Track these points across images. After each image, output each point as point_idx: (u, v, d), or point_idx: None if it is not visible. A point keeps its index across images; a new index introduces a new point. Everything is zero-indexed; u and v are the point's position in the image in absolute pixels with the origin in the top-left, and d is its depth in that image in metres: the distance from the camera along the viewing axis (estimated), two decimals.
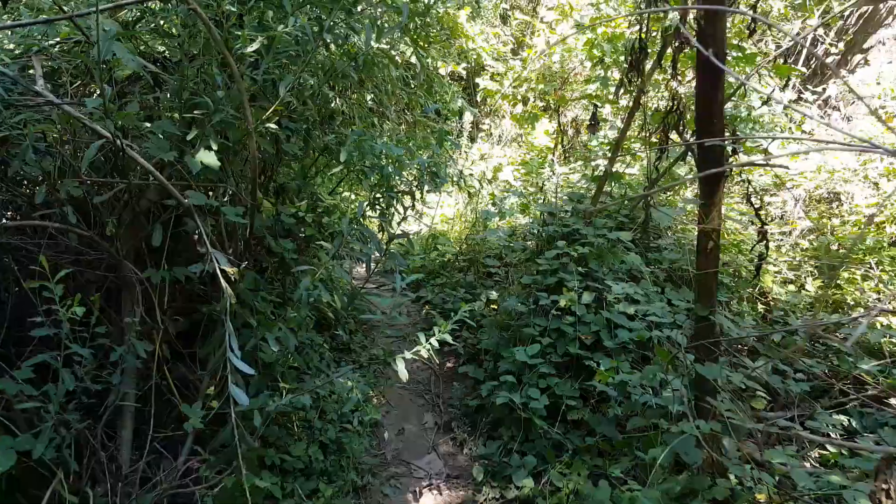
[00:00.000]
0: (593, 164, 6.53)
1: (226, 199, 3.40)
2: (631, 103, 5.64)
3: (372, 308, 5.49)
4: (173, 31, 3.46)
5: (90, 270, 3.36)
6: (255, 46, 2.95)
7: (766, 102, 6.38)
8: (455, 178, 5.06)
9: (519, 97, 13.41)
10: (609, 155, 5.88)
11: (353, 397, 4.29)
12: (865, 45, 10.72)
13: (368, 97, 6.89)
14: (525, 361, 4.56)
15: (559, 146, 13.67)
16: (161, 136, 2.95)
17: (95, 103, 2.42)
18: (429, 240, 8.70)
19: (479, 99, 13.89)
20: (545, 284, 5.08)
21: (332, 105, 5.40)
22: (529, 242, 6.02)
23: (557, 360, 4.67)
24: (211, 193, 3.40)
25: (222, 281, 2.67)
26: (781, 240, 6.63)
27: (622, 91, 5.79)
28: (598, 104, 6.08)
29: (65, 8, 2.99)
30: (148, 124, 2.99)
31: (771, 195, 7.54)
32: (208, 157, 2.90)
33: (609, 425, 4.31)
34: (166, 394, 3.46)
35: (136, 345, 2.92)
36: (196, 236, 2.89)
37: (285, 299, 4.65)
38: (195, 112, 3.06)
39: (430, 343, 3.27)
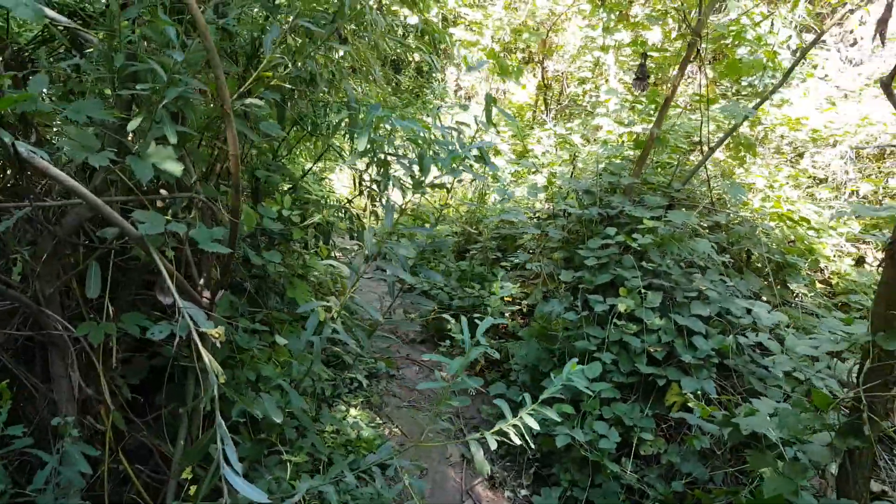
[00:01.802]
0: (625, 127, 5.59)
1: (192, 215, 2.42)
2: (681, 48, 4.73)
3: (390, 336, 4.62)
4: None
5: None
6: None
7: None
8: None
9: (499, 49, 12.40)
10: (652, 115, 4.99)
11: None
12: None
13: (340, 52, 5.86)
14: (587, 388, 3.73)
15: (546, 102, 12.74)
16: (83, 125, 1.97)
17: None
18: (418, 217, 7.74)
19: (457, 52, 12.80)
20: (594, 284, 4.22)
21: (311, 64, 4.39)
22: (558, 224, 5.14)
23: (621, 380, 3.85)
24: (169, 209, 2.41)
25: (204, 355, 1.74)
26: (840, 207, 5.87)
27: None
28: (646, 52, 5.12)
29: None
30: (64, 108, 1.99)
31: (812, 154, 6.77)
32: (165, 158, 1.93)
33: (697, 464, 3.52)
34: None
35: (76, 459, 1.98)
36: (158, 278, 1.93)
37: (272, 326, 3.72)
38: (136, 86, 2.07)
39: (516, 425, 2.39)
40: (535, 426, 2.28)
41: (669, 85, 5.13)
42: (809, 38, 8.52)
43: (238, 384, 2.95)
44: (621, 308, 3.93)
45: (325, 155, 5.53)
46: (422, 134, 2.84)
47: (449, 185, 2.66)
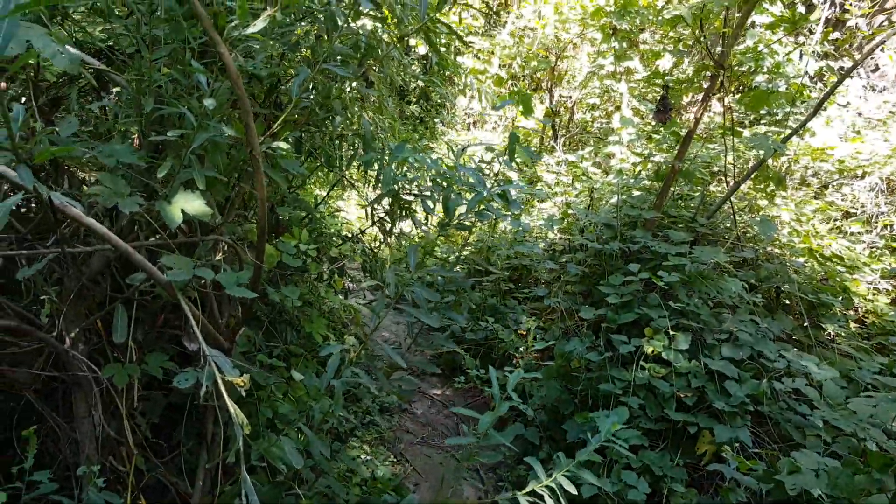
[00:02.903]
0: (654, 158, 5.59)
1: (218, 258, 2.42)
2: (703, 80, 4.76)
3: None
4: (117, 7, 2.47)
5: (22, 370, 2.38)
6: (259, 25, 1.98)
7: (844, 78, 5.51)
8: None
9: (506, 77, 12.53)
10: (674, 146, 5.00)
11: None
12: (888, 5, 10.08)
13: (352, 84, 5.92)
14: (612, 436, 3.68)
15: (554, 129, 12.81)
16: (114, 170, 1.98)
17: None
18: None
19: (464, 80, 12.91)
20: (618, 322, 4.19)
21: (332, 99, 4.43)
22: (576, 258, 5.13)
23: (649, 426, 3.81)
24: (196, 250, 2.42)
25: (229, 405, 1.73)
26: (872, 242, 5.86)
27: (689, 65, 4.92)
28: (669, 84, 5.16)
29: None
30: (90, 151, 2.00)
31: (835, 186, 6.76)
32: (194, 203, 1.94)
33: None
34: None
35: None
36: (188, 322, 1.93)
37: (288, 360, 3.71)
38: (166, 132, 2.08)
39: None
40: (572, 489, 2.24)
41: (691, 117, 5.17)
42: (826, 65, 8.60)
43: (256, 424, 2.93)
44: (648, 350, 3.90)
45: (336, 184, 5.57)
46: (443, 170, 2.86)
47: (472, 225, 2.66)
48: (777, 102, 4.83)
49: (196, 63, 2.00)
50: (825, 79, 9.11)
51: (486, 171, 3.98)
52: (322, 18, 2.41)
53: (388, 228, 3.88)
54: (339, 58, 2.61)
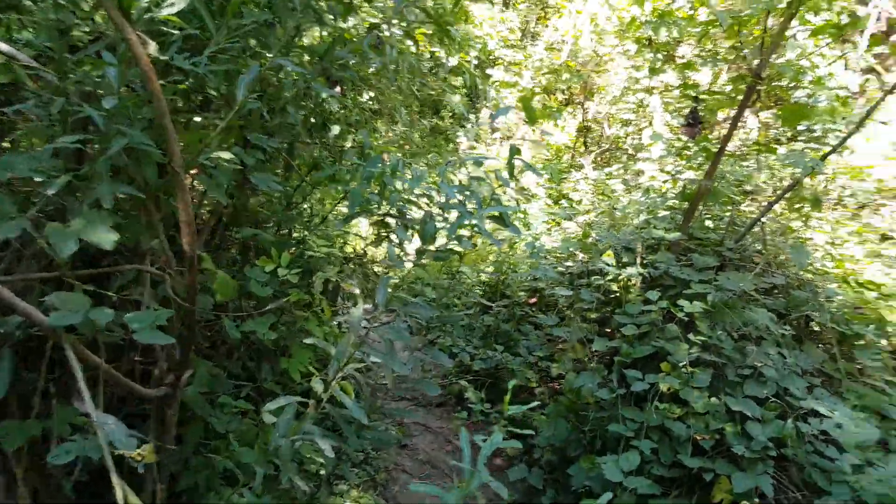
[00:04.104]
0: (680, 176, 5.12)
1: (142, 291, 2.07)
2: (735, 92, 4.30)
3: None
4: None
5: None
6: (179, 5, 1.64)
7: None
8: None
9: (538, 90, 12.13)
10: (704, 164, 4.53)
11: None
12: None
13: (367, 95, 5.59)
14: (620, 482, 3.25)
15: (586, 144, 12.37)
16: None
17: None
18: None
19: (492, 93, 12.53)
20: (632, 356, 3.75)
21: (325, 107, 4.10)
22: (592, 283, 4.69)
23: (661, 473, 3.36)
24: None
25: (117, 488, 1.37)
26: None
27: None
28: (698, 96, 4.70)
29: None
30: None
31: (871, 207, 6.19)
32: (97, 228, 1.60)
33: None
34: None
35: None
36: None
37: (262, 397, 3.35)
38: (85, 138, 1.75)
39: None
40: None
41: (722, 132, 4.72)
42: (867, 79, 8.00)
43: (211, 477, 2.59)
44: (663, 388, 3.46)
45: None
46: (433, 192, 2.48)
47: (456, 251, 2.28)
48: (817, 118, 4.34)
49: (109, 54, 1.67)
50: (867, 94, 8.47)
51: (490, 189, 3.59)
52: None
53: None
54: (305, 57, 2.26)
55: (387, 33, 3.22)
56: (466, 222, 2.12)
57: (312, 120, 4.04)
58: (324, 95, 2.88)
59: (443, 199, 2.42)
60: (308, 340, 2.44)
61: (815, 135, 7.56)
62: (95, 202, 1.69)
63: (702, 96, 4.67)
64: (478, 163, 2.51)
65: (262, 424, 3.09)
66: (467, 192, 2.40)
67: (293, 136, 3.76)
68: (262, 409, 3.07)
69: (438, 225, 2.32)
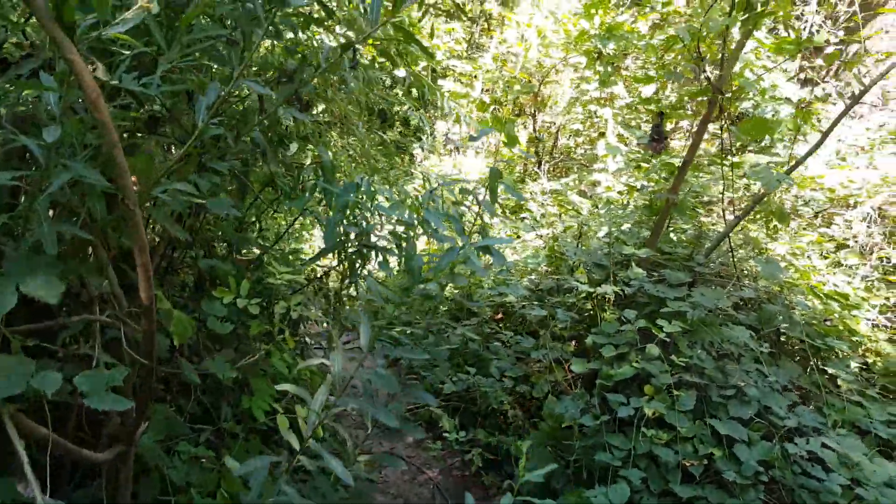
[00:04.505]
0: (650, 190, 5.00)
1: (90, 344, 1.79)
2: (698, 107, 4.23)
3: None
4: None
5: None
6: (131, 22, 1.39)
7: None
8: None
9: (489, 101, 12.06)
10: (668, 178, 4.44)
11: None
12: (864, 33, 9.72)
13: (320, 107, 5.33)
14: None
15: (538, 154, 12.34)
16: None
17: None
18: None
19: (445, 104, 12.36)
20: (613, 379, 3.60)
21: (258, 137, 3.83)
22: (565, 301, 4.54)
23: (652, 502, 3.21)
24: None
25: None
26: (865, 275, 5.31)
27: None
28: (663, 111, 4.61)
29: None
30: None
31: (823, 217, 6.23)
32: (37, 282, 1.34)
33: None
34: None
35: None
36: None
37: (223, 439, 3.07)
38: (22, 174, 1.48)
39: None
40: None
41: (679, 145, 4.65)
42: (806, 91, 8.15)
43: None
44: (648, 412, 3.31)
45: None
46: (405, 216, 2.26)
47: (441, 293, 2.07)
48: (780, 130, 4.30)
49: (47, 76, 1.41)
50: (810, 106, 8.65)
51: (465, 208, 3.38)
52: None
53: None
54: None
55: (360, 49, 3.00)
56: (456, 260, 1.91)
57: (269, 136, 3.79)
58: (293, 118, 2.63)
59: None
60: (284, 386, 2.17)
61: (762, 146, 7.65)
62: (35, 245, 1.42)
63: (666, 111, 4.57)
64: (463, 190, 2.30)
65: (224, 471, 2.83)
66: (451, 220, 2.20)
67: (251, 157, 3.51)
68: (224, 456, 2.84)
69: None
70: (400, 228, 2.36)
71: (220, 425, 3.15)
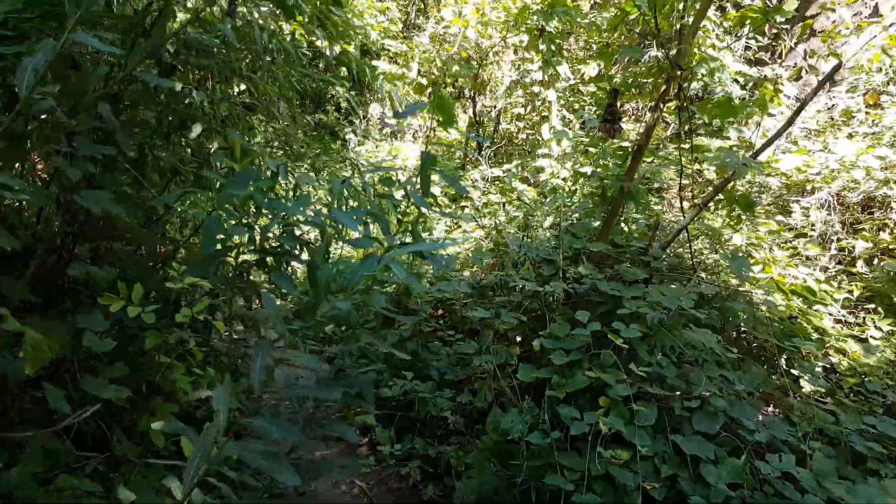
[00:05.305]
0: (601, 178, 4.63)
1: None
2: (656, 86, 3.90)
3: None
4: None
5: None
6: None
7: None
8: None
9: (427, 83, 11.61)
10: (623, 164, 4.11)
11: None
12: (808, 13, 9.72)
13: (238, 87, 4.81)
14: None
15: (478, 141, 11.97)
16: None
17: None
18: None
19: (379, 86, 11.82)
20: (565, 390, 3.25)
21: (184, 103, 3.33)
22: (511, 300, 4.17)
23: None
24: None
25: None
26: (829, 268, 5.14)
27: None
28: (618, 89, 4.25)
29: None
30: None
31: (778, 205, 6.03)
32: None
33: None
34: None
35: None
36: None
37: (117, 467, 2.59)
38: None
39: None
40: None
41: (635, 128, 4.34)
42: (755, 70, 8.03)
43: None
44: (604, 429, 2.98)
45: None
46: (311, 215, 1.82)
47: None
48: (747, 114, 4.03)
49: None
50: (757, 87, 8.55)
51: (398, 200, 2.94)
52: None
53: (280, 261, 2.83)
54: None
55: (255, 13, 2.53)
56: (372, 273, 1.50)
57: (169, 119, 3.29)
58: (154, 85, 2.15)
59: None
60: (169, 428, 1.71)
61: (713, 129, 7.47)
62: None
63: (621, 88, 4.22)
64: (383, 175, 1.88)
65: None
66: (371, 219, 1.78)
67: (143, 140, 3.00)
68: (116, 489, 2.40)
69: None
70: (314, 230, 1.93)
71: (112, 451, 2.68)
